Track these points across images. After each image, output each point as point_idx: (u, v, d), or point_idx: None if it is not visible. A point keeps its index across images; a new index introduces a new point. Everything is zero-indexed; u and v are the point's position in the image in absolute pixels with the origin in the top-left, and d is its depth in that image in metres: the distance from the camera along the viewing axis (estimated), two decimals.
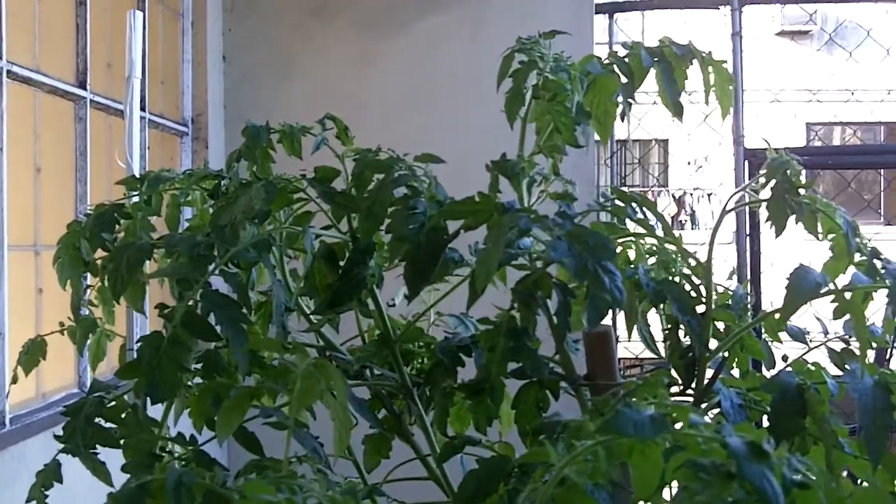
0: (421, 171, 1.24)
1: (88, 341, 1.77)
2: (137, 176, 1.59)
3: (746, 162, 4.44)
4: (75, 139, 3.34)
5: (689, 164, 11.67)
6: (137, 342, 1.12)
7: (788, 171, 1.20)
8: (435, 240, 1.16)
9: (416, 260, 1.16)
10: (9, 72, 2.81)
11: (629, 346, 3.03)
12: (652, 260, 1.36)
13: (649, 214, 1.22)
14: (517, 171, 1.25)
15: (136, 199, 1.61)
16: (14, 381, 1.78)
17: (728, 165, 4.60)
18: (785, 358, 1.44)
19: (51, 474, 1.50)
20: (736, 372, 1.44)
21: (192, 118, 4.33)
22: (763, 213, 1.26)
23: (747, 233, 4.40)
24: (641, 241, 1.31)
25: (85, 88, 3.34)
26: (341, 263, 1.36)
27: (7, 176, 2.76)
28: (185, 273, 1.14)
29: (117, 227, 1.54)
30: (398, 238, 1.18)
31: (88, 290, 1.84)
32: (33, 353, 1.77)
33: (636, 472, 0.70)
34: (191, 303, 1.16)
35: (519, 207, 1.10)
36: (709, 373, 1.35)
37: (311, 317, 1.43)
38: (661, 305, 1.30)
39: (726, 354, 1.36)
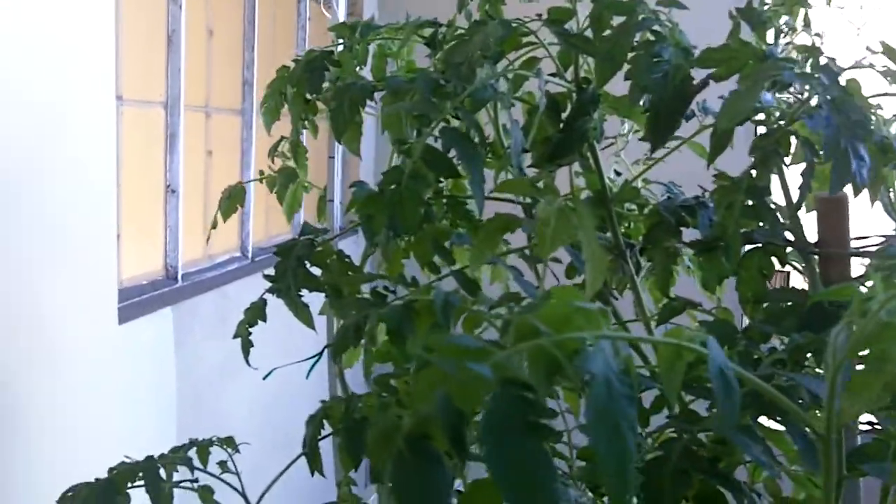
0: (664, 17, 1.17)
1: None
2: (346, 23, 1.57)
3: None
4: (244, 5, 3.35)
5: None
6: (383, 174, 1.10)
7: None
8: (682, 90, 1.10)
9: (660, 111, 1.11)
10: None
11: None
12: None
13: None
14: (763, 19, 1.18)
15: (341, 47, 1.59)
16: (214, 226, 1.81)
17: None
18: None
19: (257, 312, 1.53)
20: None
21: None
22: None
23: None
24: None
25: None
26: (562, 115, 1.32)
27: (185, 35, 2.80)
28: (424, 109, 1.12)
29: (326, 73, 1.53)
30: (640, 88, 1.12)
31: (282, 142, 1.85)
32: (233, 200, 1.79)
33: None
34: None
35: (781, 57, 1.03)
36: None
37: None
38: None
39: None
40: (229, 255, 3.32)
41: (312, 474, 1.25)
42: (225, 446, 1.23)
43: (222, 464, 1.21)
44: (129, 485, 1.12)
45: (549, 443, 0.63)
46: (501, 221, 1.07)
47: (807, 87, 1.05)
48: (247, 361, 1.56)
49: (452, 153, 1.14)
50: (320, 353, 1.66)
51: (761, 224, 1.19)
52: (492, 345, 0.63)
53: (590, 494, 1.31)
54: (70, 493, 1.20)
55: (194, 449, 1.20)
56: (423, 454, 0.61)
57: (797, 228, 1.25)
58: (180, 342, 2.68)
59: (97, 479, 1.15)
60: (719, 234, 1.17)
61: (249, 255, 3.42)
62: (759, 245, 1.27)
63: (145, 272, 2.70)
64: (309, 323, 1.49)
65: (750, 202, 1.16)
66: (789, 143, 1.18)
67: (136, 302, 2.43)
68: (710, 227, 1.26)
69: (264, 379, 1.65)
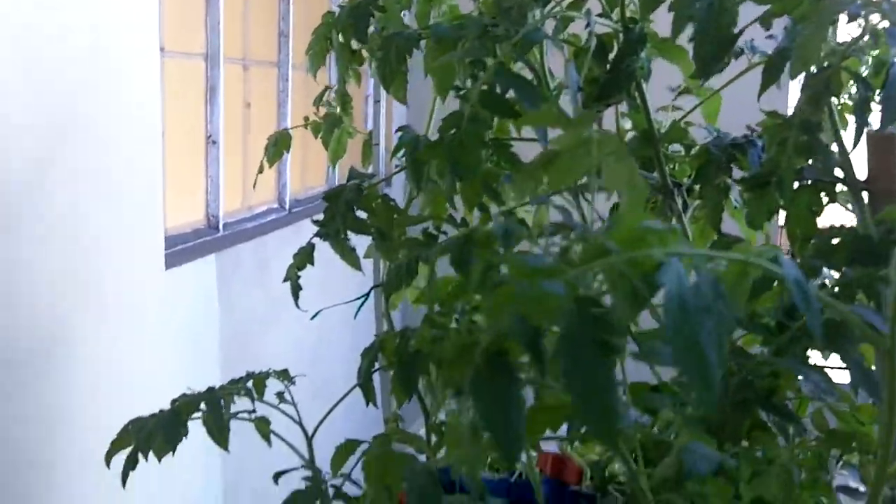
0: None
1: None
2: None
3: None
4: None
5: None
6: (443, 120, 1.11)
7: None
8: (728, 17, 1.10)
9: (706, 38, 1.11)
10: None
11: None
12: None
13: None
14: None
15: None
16: (260, 170, 1.83)
17: None
18: None
19: (306, 256, 1.56)
20: None
21: None
22: None
23: None
24: None
25: None
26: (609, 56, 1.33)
27: None
28: (478, 53, 1.13)
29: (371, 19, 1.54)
30: (685, 18, 1.13)
31: (327, 92, 1.87)
32: (280, 146, 1.81)
33: None
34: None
35: None
36: None
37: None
38: None
39: None
40: (267, 207, 3.35)
41: (367, 405, 1.28)
42: (281, 379, 1.26)
43: (280, 395, 1.24)
44: (191, 416, 1.15)
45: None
46: (544, 157, 1.08)
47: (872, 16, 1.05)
48: (296, 304, 1.58)
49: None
50: (367, 294, 1.69)
51: (811, 161, 1.20)
52: (564, 264, 0.65)
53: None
54: (130, 427, 1.23)
55: (251, 382, 1.22)
56: (501, 369, 0.63)
57: (847, 166, 1.26)
58: (223, 289, 2.72)
59: (161, 411, 1.18)
60: (772, 170, 1.18)
61: (287, 206, 3.45)
62: (809, 182, 1.28)
63: (187, 222, 2.74)
64: (356, 265, 1.52)
65: (802, 138, 1.16)
66: (840, 82, 1.19)
67: (180, 249, 2.48)
68: (760, 165, 1.26)
69: (312, 319, 1.69)
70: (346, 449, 1.29)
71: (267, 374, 1.24)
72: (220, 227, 2.84)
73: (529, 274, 0.63)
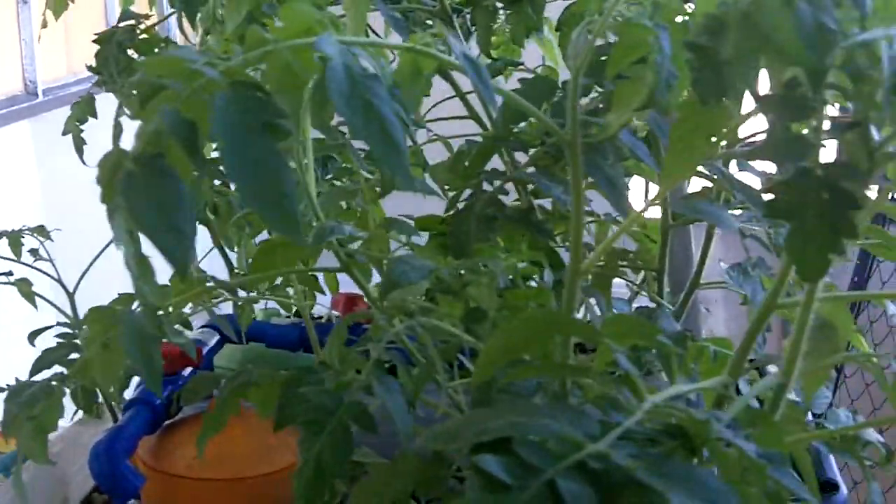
0: None
1: None
2: None
3: None
4: None
5: None
6: None
7: None
8: None
9: None
10: None
11: None
12: None
13: None
14: None
15: None
16: (44, 25, 1.70)
17: None
18: None
19: (85, 107, 1.48)
20: None
21: None
22: None
23: None
24: None
25: None
26: None
27: None
28: None
29: None
30: None
31: None
32: None
33: None
34: None
35: None
36: None
37: None
38: None
39: None
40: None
41: None
42: (36, 235, 1.19)
43: (34, 251, 1.17)
44: None
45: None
46: None
47: None
48: (81, 160, 1.51)
49: None
50: None
51: None
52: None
53: None
54: None
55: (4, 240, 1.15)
56: (156, 170, 0.57)
57: None
58: (42, 156, 2.61)
59: None
60: None
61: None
62: None
63: (4, 91, 2.59)
64: None
65: None
66: None
67: None
68: None
69: None
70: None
71: (21, 232, 1.16)
72: (39, 92, 2.69)
73: (182, 70, 0.58)
